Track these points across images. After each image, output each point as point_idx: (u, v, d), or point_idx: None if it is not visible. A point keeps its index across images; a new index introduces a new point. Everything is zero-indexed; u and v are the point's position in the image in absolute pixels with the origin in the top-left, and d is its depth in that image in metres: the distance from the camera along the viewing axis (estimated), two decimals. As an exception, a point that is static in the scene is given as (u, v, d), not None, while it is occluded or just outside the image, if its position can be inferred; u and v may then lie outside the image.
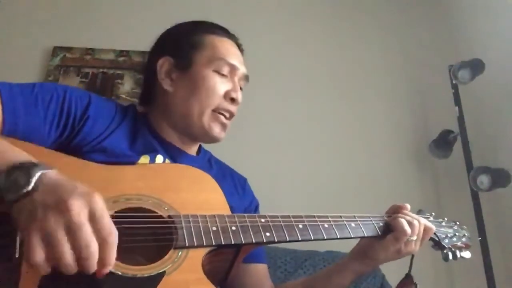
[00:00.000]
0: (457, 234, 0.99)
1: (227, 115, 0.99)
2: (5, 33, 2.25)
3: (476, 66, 1.88)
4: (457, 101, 2.00)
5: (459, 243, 0.97)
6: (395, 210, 0.94)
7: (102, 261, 0.54)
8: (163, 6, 2.32)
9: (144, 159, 0.89)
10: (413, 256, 0.93)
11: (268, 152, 2.08)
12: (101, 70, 2.24)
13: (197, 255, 0.69)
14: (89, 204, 0.54)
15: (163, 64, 1.00)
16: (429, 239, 0.94)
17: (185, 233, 0.70)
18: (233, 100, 0.99)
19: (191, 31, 1.04)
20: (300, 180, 2.05)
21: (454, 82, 1.99)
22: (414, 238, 0.88)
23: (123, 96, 2.17)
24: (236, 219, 0.76)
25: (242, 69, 1.02)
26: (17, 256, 0.57)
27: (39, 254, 0.51)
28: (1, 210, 0.58)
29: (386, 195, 1.93)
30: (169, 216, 0.72)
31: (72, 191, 0.55)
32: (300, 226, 0.80)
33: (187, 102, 0.97)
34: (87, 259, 0.53)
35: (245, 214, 0.78)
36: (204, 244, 0.70)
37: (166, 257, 0.67)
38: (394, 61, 2.34)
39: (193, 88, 0.97)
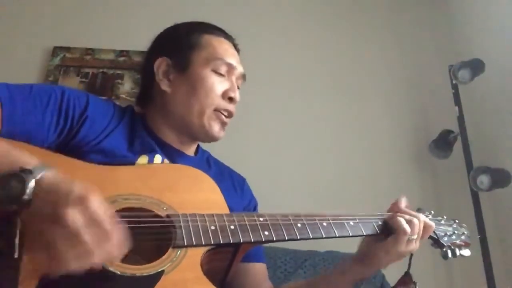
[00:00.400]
0: (456, 232, 0.98)
1: (226, 114, 1.00)
2: (5, 33, 2.25)
3: (476, 66, 1.88)
4: (457, 101, 2.00)
5: (458, 241, 0.97)
6: (393, 209, 0.93)
7: (108, 259, 0.57)
8: (163, 6, 2.32)
9: (143, 159, 0.89)
10: (412, 254, 0.92)
11: (268, 152, 2.08)
12: (101, 70, 2.24)
13: (196, 254, 0.69)
14: (85, 209, 0.54)
15: (161, 65, 1.01)
16: (428, 237, 0.94)
17: (183, 232, 0.70)
18: (231, 100, 0.99)
19: (188, 31, 1.04)
20: (300, 180, 2.05)
21: (454, 82, 1.99)
22: (415, 237, 0.87)
23: (123, 96, 2.18)
24: (235, 218, 0.76)
25: (239, 69, 1.03)
26: (16, 256, 0.58)
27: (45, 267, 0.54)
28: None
29: (386, 195, 1.89)
30: (168, 216, 0.72)
31: (66, 197, 0.54)
32: (299, 225, 0.80)
33: (186, 102, 0.97)
34: (89, 263, 0.55)
35: (244, 213, 0.78)
36: (203, 243, 0.70)
37: (165, 256, 0.67)
38: (394, 61, 2.34)
39: (192, 88, 0.97)
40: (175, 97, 0.98)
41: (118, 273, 0.62)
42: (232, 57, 1.02)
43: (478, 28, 2.22)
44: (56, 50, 2.25)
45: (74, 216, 0.53)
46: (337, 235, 0.82)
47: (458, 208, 1.88)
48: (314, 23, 2.40)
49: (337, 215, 0.86)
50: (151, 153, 0.92)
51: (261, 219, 0.78)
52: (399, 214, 0.89)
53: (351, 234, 0.84)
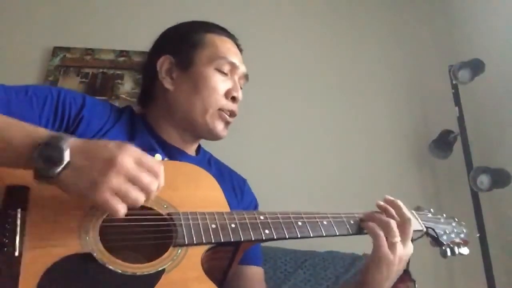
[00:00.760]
0: (455, 230, 0.98)
1: (229, 113, 1.00)
2: (5, 33, 2.25)
3: (476, 66, 1.88)
4: (457, 101, 2.00)
5: (457, 240, 0.97)
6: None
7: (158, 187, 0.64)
8: (163, 6, 2.32)
9: (143, 158, 0.89)
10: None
11: (267, 152, 2.08)
12: (101, 70, 2.23)
13: (197, 253, 0.69)
14: (129, 153, 0.62)
15: (164, 63, 1.01)
16: (428, 236, 0.94)
17: (184, 231, 0.70)
18: (234, 99, 1.00)
19: (191, 30, 1.04)
20: (300, 180, 2.05)
21: (454, 82, 1.99)
22: (397, 240, 0.81)
23: (123, 96, 2.17)
24: (235, 217, 0.76)
25: (242, 68, 1.03)
26: (16, 254, 0.58)
27: (121, 208, 0.60)
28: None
29: (386, 195, 1.92)
30: (168, 214, 0.72)
31: (109, 148, 0.61)
32: (299, 223, 0.80)
33: (189, 100, 0.97)
34: (153, 191, 0.63)
35: (244, 212, 0.78)
36: (204, 241, 0.70)
37: (166, 255, 0.67)
38: (394, 61, 2.34)
39: (195, 87, 0.97)
40: (178, 95, 0.99)
41: (119, 271, 0.62)
42: (235, 56, 1.02)
43: (478, 28, 2.22)
44: (56, 50, 2.24)
45: (128, 160, 0.61)
46: (337, 233, 0.83)
47: (458, 208, 1.88)
48: (314, 23, 2.40)
49: (337, 214, 0.86)
50: (151, 152, 0.91)
51: (261, 217, 0.78)
52: (373, 216, 0.85)
53: (351, 232, 0.84)
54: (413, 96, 2.27)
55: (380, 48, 2.36)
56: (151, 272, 0.64)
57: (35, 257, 0.59)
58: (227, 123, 1.00)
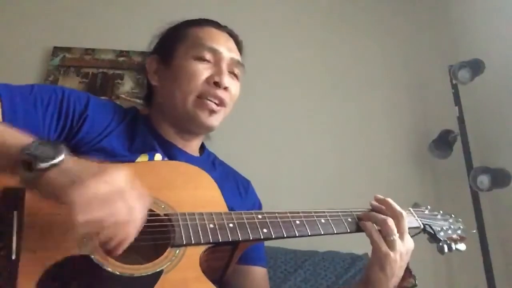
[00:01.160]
0: (452, 226, 0.98)
1: (216, 101, 0.96)
2: (5, 33, 2.25)
3: (476, 66, 1.88)
4: (457, 101, 2.00)
5: (454, 236, 0.97)
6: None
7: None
8: (163, 6, 2.32)
9: (143, 158, 0.88)
10: None
11: (267, 152, 2.08)
12: (101, 70, 2.24)
13: (195, 253, 0.69)
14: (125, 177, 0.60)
15: (151, 63, 1.02)
16: (425, 233, 0.94)
17: (182, 231, 0.70)
18: (217, 84, 0.95)
19: (176, 27, 1.04)
20: (300, 180, 2.05)
21: (454, 82, 1.99)
22: (395, 237, 0.81)
23: (123, 96, 2.17)
24: (233, 216, 0.76)
25: (226, 54, 0.98)
26: (14, 257, 0.57)
27: (98, 212, 0.55)
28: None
29: (386, 195, 1.90)
30: (166, 215, 0.72)
31: (104, 167, 0.59)
32: (297, 222, 0.80)
33: (170, 93, 0.97)
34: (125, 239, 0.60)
35: (242, 211, 0.78)
36: (202, 241, 0.70)
37: (164, 255, 0.67)
38: (394, 61, 2.34)
39: (175, 78, 0.96)
40: (163, 91, 0.99)
41: (117, 273, 0.62)
42: (216, 42, 0.98)
43: (478, 28, 2.22)
44: (56, 50, 2.25)
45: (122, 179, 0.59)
46: (335, 232, 0.83)
47: (458, 208, 1.86)
48: (315, 23, 2.40)
49: (335, 211, 0.86)
50: (151, 151, 0.91)
51: (259, 216, 0.77)
52: (370, 215, 0.87)
53: (349, 230, 0.85)
54: (413, 96, 2.27)
55: (380, 48, 2.36)
56: (149, 273, 0.64)
57: (33, 259, 0.59)
58: (212, 111, 0.95)
